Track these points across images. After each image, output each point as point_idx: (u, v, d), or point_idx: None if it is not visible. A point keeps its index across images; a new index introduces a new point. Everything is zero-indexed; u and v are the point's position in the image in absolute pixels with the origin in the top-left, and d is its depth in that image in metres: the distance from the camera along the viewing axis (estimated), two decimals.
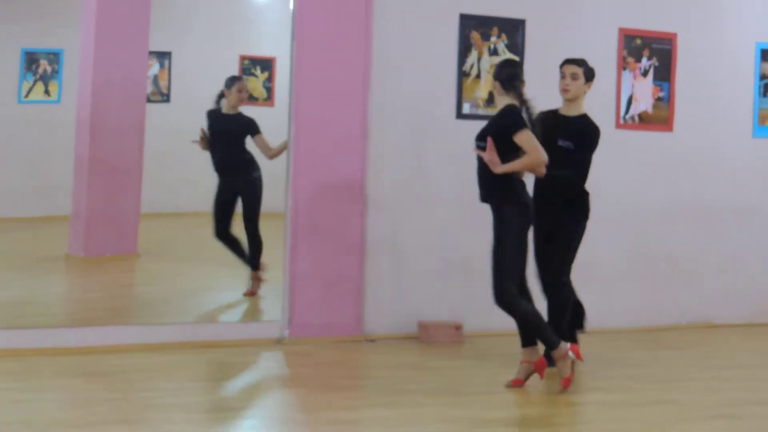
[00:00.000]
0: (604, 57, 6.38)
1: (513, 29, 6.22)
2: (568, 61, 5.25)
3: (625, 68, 6.56)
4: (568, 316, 5.31)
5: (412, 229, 6.16)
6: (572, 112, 5.20)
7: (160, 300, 6.78)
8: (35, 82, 7.79)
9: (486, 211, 5.26)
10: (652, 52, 6.65)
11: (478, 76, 6.17)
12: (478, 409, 4.46)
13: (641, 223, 6.68)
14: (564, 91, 5.18)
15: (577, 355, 4.88)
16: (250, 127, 6.73)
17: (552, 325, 5.06)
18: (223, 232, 6.75)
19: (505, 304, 4.75)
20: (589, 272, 6.30)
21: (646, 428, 4.32)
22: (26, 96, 7.84)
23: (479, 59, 6.17)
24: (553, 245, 5.19)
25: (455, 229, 6.23)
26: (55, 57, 7.83)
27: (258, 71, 8.12)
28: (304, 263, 5.80)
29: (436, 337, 6.07)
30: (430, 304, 6.24)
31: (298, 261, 5.77)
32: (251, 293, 6.76)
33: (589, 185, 6.05)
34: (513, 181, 4.67)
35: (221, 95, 6.71)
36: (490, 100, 6.11)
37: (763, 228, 7.03)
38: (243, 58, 7.91)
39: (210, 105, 6.56)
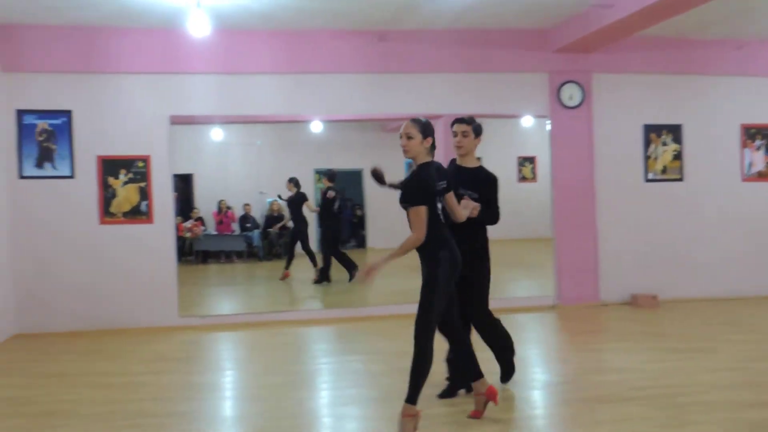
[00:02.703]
0: (733, 141, 9.12)
1: (675, 130, 9.03)
2: (458, 121, 4.95)
3: (745, 147, 9.15)
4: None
5: (630, 239, 8.84)
6: (469, 164, 5.01)
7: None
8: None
9: (654, 224, 8.26)
10: (762, 135, 9.22)
11: (655, 158, 8.96)
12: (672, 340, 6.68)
13: (763, 233, 9.15)
14: (458, 147, 4.96)
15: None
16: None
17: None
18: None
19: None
20: (716, 264, 8.93)
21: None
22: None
23: (656, 148, 9.00)
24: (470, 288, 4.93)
25: (645, 235, 8.93)
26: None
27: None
28: (564, 259, 8.74)
29: (642, 303, 8.53)
30: (637, 281, 8.86)
31: (562, 258, 8.78)
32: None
33: (734, 212, 8.80)
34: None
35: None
36: (663, 171, 8.86)
37: None
38: None
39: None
